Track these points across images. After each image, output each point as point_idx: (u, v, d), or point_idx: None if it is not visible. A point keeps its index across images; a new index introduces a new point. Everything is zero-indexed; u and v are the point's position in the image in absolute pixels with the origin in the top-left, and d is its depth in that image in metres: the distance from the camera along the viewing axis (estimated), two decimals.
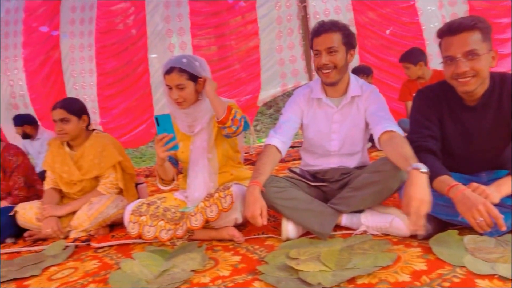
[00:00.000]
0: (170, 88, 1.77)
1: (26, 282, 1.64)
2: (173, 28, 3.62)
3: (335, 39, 1.64)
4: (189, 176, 1.89)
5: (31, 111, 4.28)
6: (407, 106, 3.45)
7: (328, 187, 1.77)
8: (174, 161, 1.98)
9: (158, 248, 1.72)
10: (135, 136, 3.79)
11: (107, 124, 3.91)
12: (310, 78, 3.73)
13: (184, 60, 1.76)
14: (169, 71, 1.74)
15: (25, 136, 3.82)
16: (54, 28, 4.05)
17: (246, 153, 3.72)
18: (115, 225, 2.21)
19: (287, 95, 5.04)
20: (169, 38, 3.63)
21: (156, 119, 1.65)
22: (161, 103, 3.77)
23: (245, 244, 1.66)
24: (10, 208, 2.26)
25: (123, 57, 3.73)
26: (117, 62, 3.74)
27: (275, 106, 8.09)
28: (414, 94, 3.42)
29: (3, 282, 1.67)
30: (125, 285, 1.36)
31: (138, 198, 2.37)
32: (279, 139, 1.73)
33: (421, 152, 1.44)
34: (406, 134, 1.58)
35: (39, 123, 3.92)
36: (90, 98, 3.85)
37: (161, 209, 1.79)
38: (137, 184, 2.49)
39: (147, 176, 3.80)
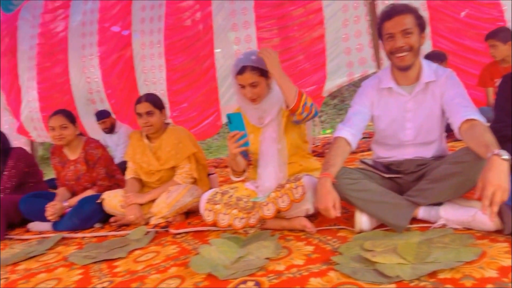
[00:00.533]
0: (243, 87, 1.82)
1: (115, 263, 1.80)
2: (238, 22, 3.69)
3: (409, 20, 1.58)
4: (259, 166, 1.94)
5: (106, 105, 4.61)
6: (487, 92, 3.21)
7: (403, 179, 1.72)
8: (245, 153, 2.04)
9: (233, 235, 1.79)
10: (202, 129, 3.94)
11: (177, 117, 4.11)
12: (379, 67, 3.61)
13: (253, 57, 1.80)
14: (241, 71, 1.79)
15: (106, 130, 4.14)
16: (125, 27, 4.31)
17: (311, 144, 3.71)
18: (190, 213, 2.34)
19: (353, 84, 4.92)
20: (234, 32, 3.71)
21: (229, 117, 1.72)
22: (227, 96, 3.88)
23: (317, 235, 1.67)
24: (97, 196, 2.48)
25: (191, 52, 3.88)
26: (185, 57, 3.90)
27: (340, 96, 7.91)
28: (496, 80, 3.18)
29: (95, 262, 1.85)
30: (205, 269, 1.44)
31: (210, 188, 2.49)
32: (349, 131, 1.71)
33: (507, 143, 1.34)
34: (489, 124, 1.48)
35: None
36: (160, 93, 4.06)
37: (234, 198, 1.86)
38: (209, 174, 2.60)
39: (215, 167, 3.94)
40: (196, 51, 3.86)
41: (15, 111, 5.12)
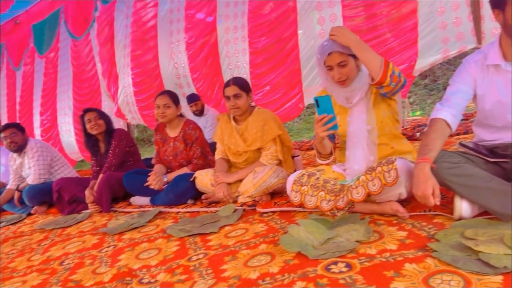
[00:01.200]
0: (331, 69, 1.77)
1: (208, 237, 1.91)
2: (323, 1, 3.59)
3: None
4: (347, 148, 1.90)
5: (193, 89, 4.82)
6: None
7: (510, 163, 1.56)
8: (332, 136, 2.01)
9: (320, 217, 1.79)
10: (285, 111, 3.95)
11: (260, 100, 4.15)
12: (479, 42, 3.27)
13: (334, 46, 1.75)
14: (328, 53, 1.75)
15: (196, 112, 4.37)
16: (210, 13, 4.43)
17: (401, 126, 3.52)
18: (275, 193, 2.39)
19: (446, 62, 4.53)
20: (318, 12, 3.62)
21: (316, 100, 1.70)
22: (310, 78, 3.82)
23: (410, 220, 1.60)
24: (191, 175, 2.64)
25: (274, 34, 3.86)
26: (268, 40, 3.90)
27: (432, 76, 7.31)
28: None
29: (190, 235, 1.99)
30: (294, 248, 1.47)
31: (295, 170, 2.51)
32: (448, 112, 1.58)
33: None
34: None
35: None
36: (243, 77, 4.14)
37: (321, 180, 1.85)
38: (293, 157, 2.62)
39: (296, 149, 3.96)
40: (279, 33, 3.84)
41: (113, 96, 5.62)
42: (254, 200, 2.31)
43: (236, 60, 4.24)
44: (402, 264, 1.23)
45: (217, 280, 1.40)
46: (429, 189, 1.39)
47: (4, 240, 2.74)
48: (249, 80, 4.10)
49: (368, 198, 1.68)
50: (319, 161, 1.99)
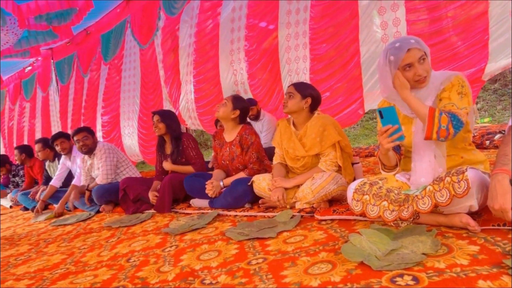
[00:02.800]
0: (409, 67, 1.71)
1: (266, 242, 1.93)
2: (386, 5, 3.49)
3: None
4: (413, 159, 1.82)
5: (249, 96, 4.91)
6: None
7: None
8: (397, 147, 1.95)
9: (383, 227, 1.74)
10: (344, 116, 3.88)
11: (320, 106, 4.13)
12: None
13: (412, 41, 1.70)
14: (408, 50, 1.69)
15: (252, 117, 4.43)
16: (271, 22, 4.49)
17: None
18: (334, 201, 2.35)
19: None
20: (381, 16, 3.53)
21: (380, 112, 1.66)
22: (370, 84, 3.72)
23: (482, 234, 1.50)
24: (248, 179, 2.69)
25: (335, 40, 3.82)
26: (329, 46, 3.87)
27: (502, 80, 6.79)
28: None
29: (248, 239, 2.01)
30: (357, 258, 1.44)
31: (354, 177, 2.46)
32: None
33: None
34: None
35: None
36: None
37: (384, 189, 1.79)
38: (353, 164, 2.57)
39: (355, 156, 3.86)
40: (340, 39, 3.79)
41: (175, 102, 5.86)
42: (312, 206, 2.30)
43: (296, 66, 4.26)
44: (475, 280, 1.16)
45: (278, 285, 1.40)
46: (508, 203, 1.30)
47: (76, 236, 2.95)
48: None
49: (435, 209, 1.61)
50: (383, 173, 1.93)
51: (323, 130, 2.38)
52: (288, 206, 2.41)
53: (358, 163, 2.60)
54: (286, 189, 2.44)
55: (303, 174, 2.44)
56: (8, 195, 5.98)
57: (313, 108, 2.51)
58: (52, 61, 8.35)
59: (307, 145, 2.44)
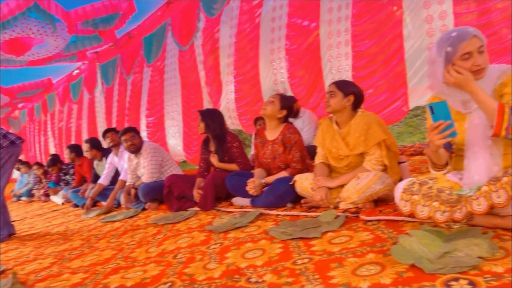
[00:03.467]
0: (468, 57, 1.63)
1: (311, 242, 1.91)
2: None
3: None
4: (466, 158, 1.74)
5: (289, 94, 4.91)
6: None
7: None
8: (448, 145, 1.87)
9: (433, 229, 1.68)
10: (387, 114, 3.78)
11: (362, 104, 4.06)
12: None
13: (471, 29, 1.63)
14: (468, 38, 1.62)
15: (292, 115, 4.43)
16: (312, 20, 4.45)
17: None
18: (379, 201, 2.30)
19: None
20: (426, 10, 3.41)
21: (431, 107, 1.60)
22: (415, 79, 3.60)
23: None
24: (290, 178, 2.68)
25: (378, 36, 3.74)
26: (372, 42, 3.79)
27: None
28: None
29: (292, 238, 2.01)
30: (408, 260, 1.40)
31: (400, 176, 2.40)
32: None
33: None
34: None
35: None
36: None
37: (434, 189, 1.73)
38: (399, 163, 2.50)
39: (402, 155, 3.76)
40: (384, 34, 3.70)
41: (215, 102, 5.96)
42: (357, 207, 2.26)
43: (338, 64, 4.20)
44: None
45: (325, 286, 1.39)
46: None
47: (124, 232, 3.07)
48: None
49: (491, 210, 1.53)
50: (433, 172, 1.86)
51: (367, 129, 2.33)
52: (331, 206, 2.38)
53: (404, 162, 2.52)
54: (329, 188, 2.41)
55: (347, 174, 2.40)
56: (60, 193, 6.31)
57: (356, 105, 2.47)
58: (97, 64, 8.72)
59: (351, 144, 2.40)
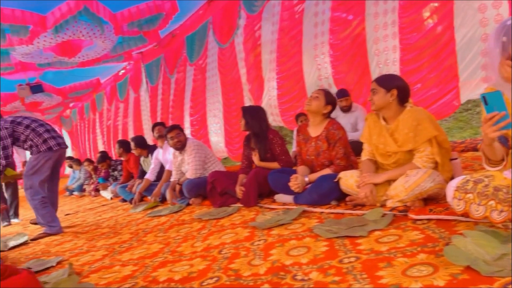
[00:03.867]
0: None
1: (357, 241, 1.87)
2: None
3: None
4: None
5: (334, 90, 4.83)
6: None
7: None
8: (504, 139, 1.76)
9: (490, 229, 1.59)
10: (436, 109, 3.62)
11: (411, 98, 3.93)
12: None
13: None
14: None
15: (345, 108, 4.37)
16: (357, 13, 4.35)
17: None
18: (429, 199, 2.21)
19: None
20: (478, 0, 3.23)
21: (484, 97, 1.51)
22: (467, 72, 3.43)
23: None
24: (335, 175, 2.64)
25: (427, 28, 3.59)
26: (420, 35, 3.64)
27: None
28: None
29: (337, 237, 1.98)
30: (462, 262, 1.33)
31: (452, 174, 2.29)
32: None
33: None
34: None
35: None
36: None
37: (491, 188, 1.63)
38: (451, 159, 2.39)
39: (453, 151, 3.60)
40: (433, 26, 3.55)
41: (257, 99, 5.99)
42: (405, 205, 2.18)
43: (385, 57, 4.09)
44: None
45: (374, 286, 1.36)
46: None
47: (170, 227, 3.16)
48: None
49: None
50: (487, 167, 1.76)
51: (417, 125, 2.24)
52: (378, 204, 2.32)
53: (456, 158, 2.40)
54: (376, 185, 2.35)
55: (395, 169, 2.32)
56: (109, 188, 6.60)
57: (402, 100, 2.36)
58: (142, 64, 9.02)
59: (400, 141, 2.31)
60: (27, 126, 3.67)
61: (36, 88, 7.74)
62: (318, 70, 4.98)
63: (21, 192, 5.08)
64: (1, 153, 3.49)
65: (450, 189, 1.75)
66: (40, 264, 2.64)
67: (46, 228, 3.82)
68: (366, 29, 4.27)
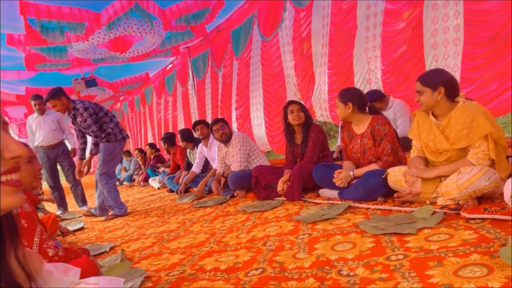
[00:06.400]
0: None
1: (405, 238, 1.83)
2: None
3: None
4: None
5: (379, 84, 4.71)
6: None
7: None
8: None
9: None
10: (496, 105, 3.39)
11: (467, 94, 3.72)
12: None
13: None
14: None
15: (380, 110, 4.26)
16: (414, 5, 4.15)
17: None
18: (483, 198, 2.10)
19: None
20: None
21: None
22: None
23: None
24: (382, 171, 2.58)
25: (494, 21, 3.34)
26: (487, 27, 3.39)
27: None
28: None
29: (385, 234, 1.94)
30: None
31: (510, 172, 2.16)
32: None
33: None
34: None
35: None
36: (451, 69, 3.72)
37: None
38: (507, 157, 2.25)
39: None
40: (501, 17, 3.29)
41: (305, 93, 5.93)
42: (457, 203, 2.09)
43: (444, 51, 3.89)
44: None
45: (424, 285, 1.33)
46: None
47: (215, 218, 3.23)
48: (458, 73, 3.72)
49: None
50: None
51: (470, 121, 2.12)
52: (428, 202, 2.24)
53: None
54: (426, 181, 2.26)
55: (448, 165, 2.22)
56: (157, 178, 6.86)
57: (451, 95, 2.23)
58: (189, 58, 9.21)
59: (451, 138, 2.21)
60: (106, 114, 4.06)
61: (91, 82, 8.17)
62: (368, 63, 4.85)
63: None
64: (93, 135, 3.90)
65: (507, 188, 1.66)
66: (94, 249, 2.80)
67: (116, 210, 4.18)
68: (424, 21, 4.06)
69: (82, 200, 5.35)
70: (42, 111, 5.13)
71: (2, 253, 0.64)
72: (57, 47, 6.24)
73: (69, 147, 5.39)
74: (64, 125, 5.32)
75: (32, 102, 5.10)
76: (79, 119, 3.97)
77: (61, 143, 5.23)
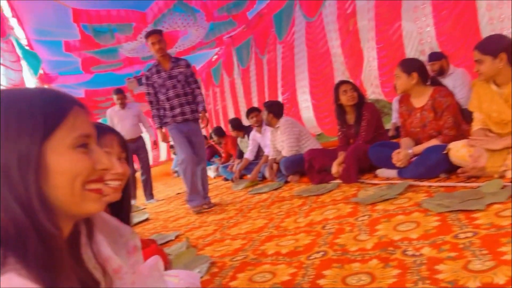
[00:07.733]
0: None
1: (473, 215, 1.74)
2: None
3: None
4: None
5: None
6: None
7: None
8: None
9: None
10: None
11: None
12: None
13: None
14: None
15: (435, 72, 4.04)
16: None
17: None
18: None
19: None
20: None
21: None
22: None
23: None
24: (443, 146, 2.46)
25: None
26: None
27: None
28: None
29: (451, 211, 1.86)
30: None
31: None
32: None
33: None
34: None
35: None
36: (508, 32, 3.45)
37: None
38: None
39: None
40: None
41: (355, 71, 5.76)
42: None
43: (499, 12, 3.60)
44: None
45: (497, 262, 1.26)
46: None
47: (272, 203, 3.27)
48: None
49: None
50: None
51: None
52: (496, 176, 2.11)
53: None
54: (493, 154, 2.13)
55: None
56: (212, 167, 7.05)
57: None
58: (233, 47, 9.27)
59: None
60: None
61: (142, 80, 8.49)
62: (420, 34, 4.61)
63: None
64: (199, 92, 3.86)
65: None
66: (161, 238, 2.95)
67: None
68: None
69: (150, 193, 5.56)
70: (123, 105, 5.45)
71: (77, 248, 0.70)
72: (109, 48, 6.55)
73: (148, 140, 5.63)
74: (144, 119, 5.64)
75: (115, 96, 5.45)
76: (176, 71, 3.74)
77: (141, 137, 5.52)
